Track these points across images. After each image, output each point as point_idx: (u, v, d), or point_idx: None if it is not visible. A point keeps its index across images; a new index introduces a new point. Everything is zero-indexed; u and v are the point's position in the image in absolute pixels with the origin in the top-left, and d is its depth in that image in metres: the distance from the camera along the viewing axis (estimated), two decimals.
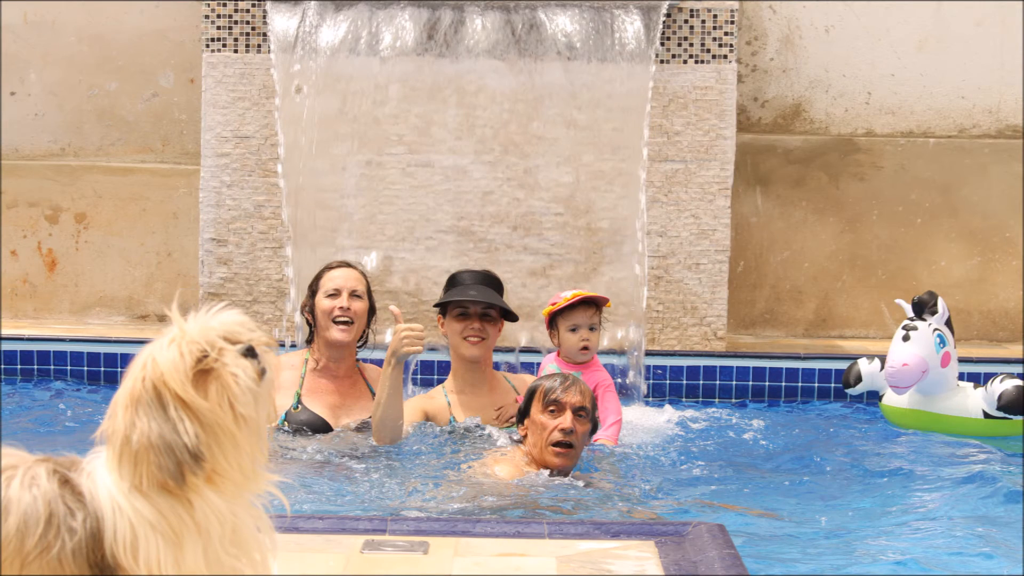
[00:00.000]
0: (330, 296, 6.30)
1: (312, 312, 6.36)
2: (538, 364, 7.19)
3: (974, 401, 6.88)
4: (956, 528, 5.09)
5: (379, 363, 7.01)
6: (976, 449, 6.57)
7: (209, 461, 2.95)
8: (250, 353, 3.01)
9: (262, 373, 3.02)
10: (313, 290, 6.38)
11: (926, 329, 6.79)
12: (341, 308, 6.27)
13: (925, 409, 6.91)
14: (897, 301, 7.14)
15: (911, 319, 6.87)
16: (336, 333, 6.27)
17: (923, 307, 6.87)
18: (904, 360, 6.73)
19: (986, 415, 6.85)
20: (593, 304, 6.43)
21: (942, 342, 6.82)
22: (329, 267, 6.44)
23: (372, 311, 6.43)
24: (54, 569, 2.86)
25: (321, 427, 6.22)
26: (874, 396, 7.31)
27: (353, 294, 6.32)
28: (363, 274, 6.44)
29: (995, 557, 4.72)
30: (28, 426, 6.71)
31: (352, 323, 6.29)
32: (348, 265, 6.45)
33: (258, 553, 3.00)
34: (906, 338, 6.78)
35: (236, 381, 2.96)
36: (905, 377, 6.74)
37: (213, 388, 2.96)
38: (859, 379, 7.04)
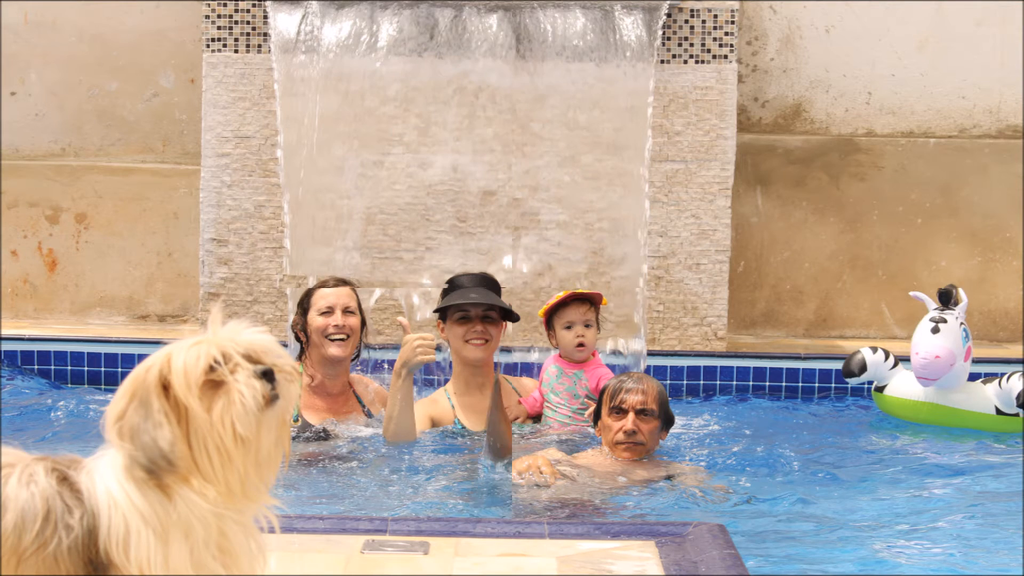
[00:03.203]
0: (323, 314, 6.28)
1: (304, 330, 6.34)
2: (538, 365, 7.20)
3: (986, 397, 6.91)
4: (957, 527, 5.09)
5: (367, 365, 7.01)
6: (976, 448, 6.57)
7: (184, 468, 2.93)
8: (266, 376, 2.99)
9: (273, 399, 3.00)
10: (304, 308, 6.36)
11: (954, 322, 6.84)
12: (336, 326, 6.26)
13: (938, 402, 6.94)
14: (914, 294, 7.16)
15: (939, 311, 6.90)
16: (334, 349, 6.26)
17: (948, 299, 6.90)
18: (937, 352, 6.77)
19: (998, 411, 6.88)
20: (587, 301, 6.44)
21: (967, 336, 6.88)
22: (320, 284, 6.42)
23: (363, 324, 6.42)
24: (50, 566, 2.86)
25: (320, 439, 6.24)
26: (858, 389, 7.33)
27: (346, 311, 6.30)
28: (353, 289, 6.43)
29: (996, 556, 4.72)
30: (27, 425, 6.71)
31: (348, 338, 6.28)
32: (339, 282, 6.43)
33: (246, 562, 2.99)
34: (935, 330, 6.81)
35: (241, 400, 2.95)
36: (936, 369, 6.78)
37: (220, 403, 2.95)
38: (863, 368, 7.05)
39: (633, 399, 5.62)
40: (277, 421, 3.01)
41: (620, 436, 5.61)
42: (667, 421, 5.77)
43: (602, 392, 5.78)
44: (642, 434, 5.61)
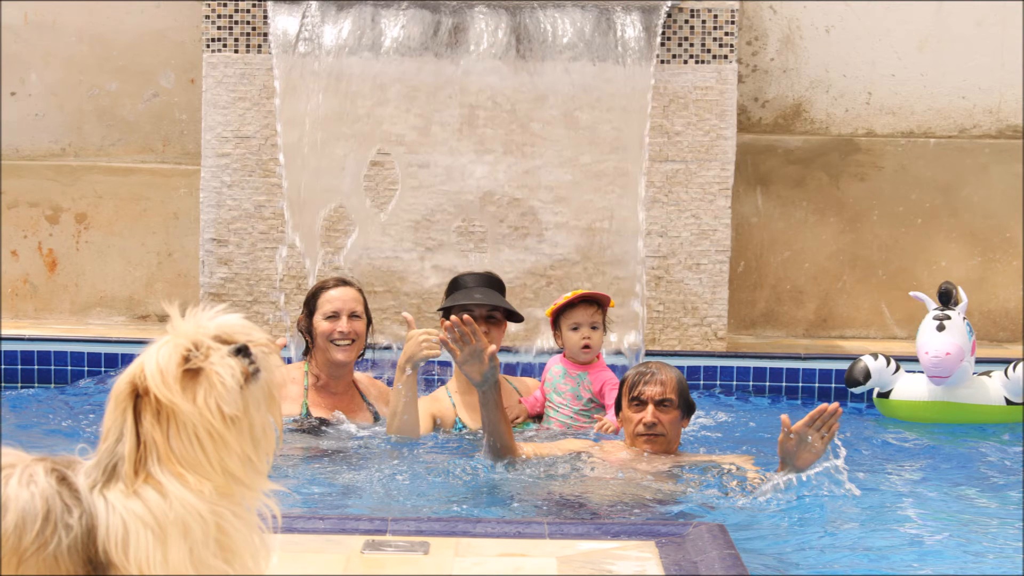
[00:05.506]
0: (329, 319, 6.27)
1: (309, 331, 6.33)
2: (539, 365, 7.20)
3: (994, 388, 6.92)
4: (956, 527, 5.09)
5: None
6: (975, 447, 6.58)
7: (171, 464, 2.94)
8: (241, 353, 2.99)
9: (253, 373, 2.99)
10: (311, 309, 6.34)
11: (958, 318, 6.86)
12: (341, 332, 6.24)
13: (946, 400, 6.95)
14: (914, 294, 7.17)
15: (941, 309, 6.91)
16: (339, 354, 6.26)
17: (948, 299, 6.92)
18: (947, 349, 6.78)
19: (1008, 402, 6.90)
20: (595, 303, 6.43)
21: (971, 330, 6.90)
22: (325, 287, 6.38)
23: (369, 322, 6.41)
24: (50, 566, 2.86)
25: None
26: (867, 395, 7.33)
27: (352, 315, 6.28)
28: (359, 290, 6.41)
29: (995, 556, 4.72)
30: (28, 425, 6.71)
31: (353, 343, 6.28)
32: (344, 283, 6.40)
33: (250, 558, 2.99)
34: (941, 327, 6.82)
35: (220, 380, 2.95)
36: (948, 366, 6.80)
37: (202, 389, 2.95)
38: (867, 376, 7.05)
39: (652, 390, 5.61)
40: (264, 395, 3.00)
41: (640, 428, 5.61)
42: (688, 409, 5.77)
43: (622, 383, 5.77)
44: (662, 425, 5.61)
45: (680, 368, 6.03)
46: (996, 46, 8.74)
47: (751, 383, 7.78)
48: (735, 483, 5.45)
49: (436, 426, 6.31)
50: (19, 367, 7.80)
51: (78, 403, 7.21)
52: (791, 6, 8.75)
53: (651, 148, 7.86)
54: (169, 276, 8.87)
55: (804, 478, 5.33)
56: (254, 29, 7.94)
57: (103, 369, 7.75)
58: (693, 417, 5.96)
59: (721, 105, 7.93)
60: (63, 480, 2.93)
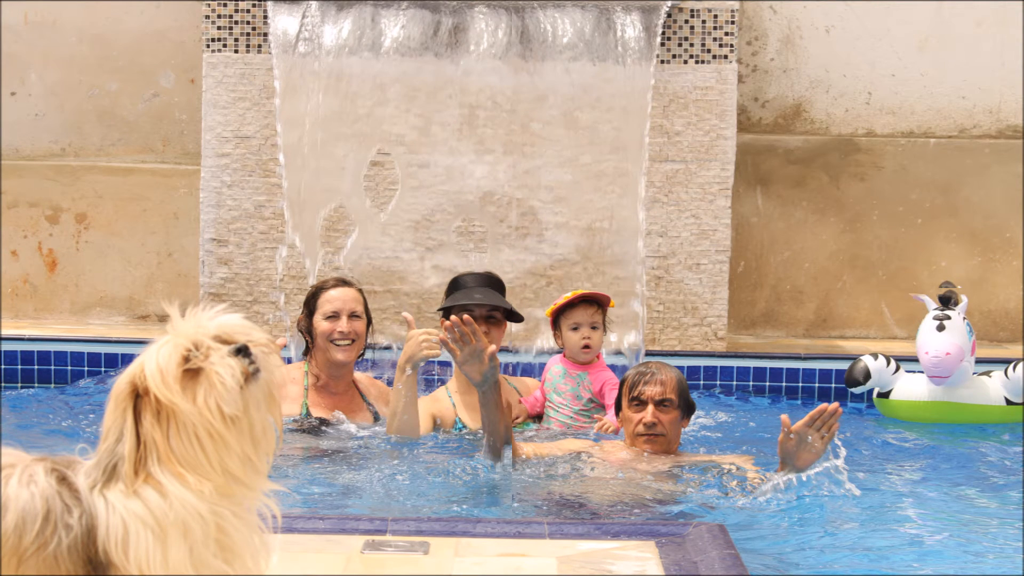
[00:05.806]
0: (329, 319, 6.27)
1: (309, 332, 6.33)
2: (539, 365, 7.20)
3: (994, 388, 6.93)
4: (956, 527, 5.09)
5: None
6: (976, 447, 6.58)
7: (171, 464, 2.94)
8: (241, 353, 2.99)
9: (253, 373, 2.99)
10: (311, 309, 6.34)
11: (958, 318, 6.87)
12: (341, 332, 6.25)
13: (946, 400, 6.96)
14: (914, 295, 7.18)
15: (941, 309, 6.92)
16: (339, 354, 6.26)
17: (949, 298, 6.94)
18: (947, 349, 6.79)
19: (1008, 402, 6.91)
20: (595, 303, 6.43)
21: (971, 330, 6.91)
22: (325, 287, 6.38)
23: (368, 322, 6.41)
24: (50, 566, 2.86)
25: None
26: (867, 395, 7.33)
27: (352, 315, 6.28)
28: (359, 290, 6.41)
29: (995, 556, 4.72)
30: (28, 425, 6.71)
31: (353, 343, 6.28)
32: (344, 283, 6.40)
33: (250, 558, 2.99)
34: (941, 327, 6.84)
35: (220, 380, 2.95)
36: (948, 366, 6.81)
37: (202, 389, 2.95)
38: (867, 376, 7.06)
39: (652, 390, 5.61)
40: (264, 395, 3.00)
41: (640, 428, 5.62)
42: (688, 409, 5.77)
43: (622, 383, 5.77)
44: (662, 425, 5.62)
45: (680, 368, 6.03)
46: (996, 46, 8.74)
47: (751, 383, 7.78)
48: (735, 483, 5.45)
49: (436, 426, 6.31)
50: (19, 367, 7.81)
51: (78, 403, 7.21)
52: (791, 6, 8.75)
53: (651, 148, 7.87)
54: (169, 276, 8.87)
55: (804, 478, 5.33)
56: (254, 29, 7.94)
57: (103, 369, 7.75)
58: (693, 417, 5.95)
59: (721, 105, 7.93)
60: (63, 480, 2.93)
